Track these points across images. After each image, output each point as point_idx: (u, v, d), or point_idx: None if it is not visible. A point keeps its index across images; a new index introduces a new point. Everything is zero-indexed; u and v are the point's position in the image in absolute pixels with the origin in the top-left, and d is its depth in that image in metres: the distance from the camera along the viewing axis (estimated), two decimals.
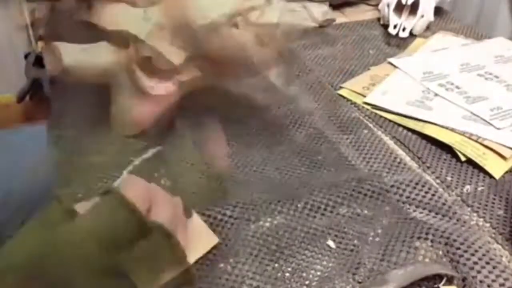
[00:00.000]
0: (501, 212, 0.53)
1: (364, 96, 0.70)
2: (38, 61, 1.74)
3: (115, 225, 0.39)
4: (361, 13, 0.98)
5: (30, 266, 0.36)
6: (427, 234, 0.48)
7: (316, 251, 0.47)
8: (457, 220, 0.50)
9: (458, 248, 0.46)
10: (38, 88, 1.76)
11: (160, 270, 0.41)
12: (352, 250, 0.48)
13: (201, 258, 0.46)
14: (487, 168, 0.58)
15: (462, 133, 0.62)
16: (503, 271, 0.44)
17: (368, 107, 0.69)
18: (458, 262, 0.45)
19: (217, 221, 0.49)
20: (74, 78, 0.54)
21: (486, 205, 0.54)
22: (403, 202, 0.53)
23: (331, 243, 0.48)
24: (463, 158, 0.59)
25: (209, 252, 0.47)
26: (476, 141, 0.61)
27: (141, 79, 0.56)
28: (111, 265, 0.38)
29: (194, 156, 0.57)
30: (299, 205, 0.51)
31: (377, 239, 0.49)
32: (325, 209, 0.51)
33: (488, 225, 0.52)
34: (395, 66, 0.77)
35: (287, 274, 0.45)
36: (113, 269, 0.38)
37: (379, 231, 0.49)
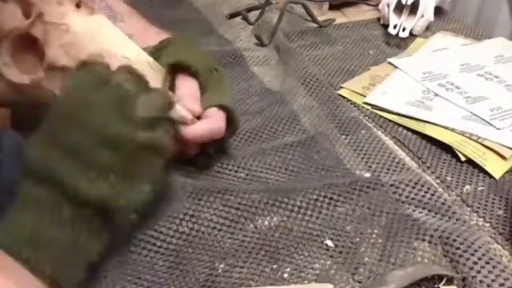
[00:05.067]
0: (501, 212, 0.53)
1: (364, 96, 0.70)
2: None
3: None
4: (361, 13, 0.97)
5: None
6: (426, 234, 0.48)
7: (314, 251, 0.47)
8: (457, 220, 0.50)
9: (458, 248, 0.46)
10: None
11: None
12: (350, 248, 0.47)
13: (199, 261, 0.46)
14: (487, 168, 0.57)
15: (462, 133, 0.62)
16: (503, 271, 0.44)
17: (368, 107, 0.69)
18: (457, 262, 0.45)
19: (214, 223, 0.49)
20: None
21: (486, 205, 0.53)
22: (403, 202, 0.53)
23: (329, 242, 0.48)
24: (463, 158, 0.59)
25: (206, 253, 0.47)
26: (476, 141, 0.61)
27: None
28: None
29: None
30: (296, 205, 0.51)
31: (375, 238, 0.48)
32: (321, 207, 0.51)
33: (488, 225, 0.51)
34: (395, 66, 0.77)
35: (286, 275, 0.45)
36: None
37: (378, 230, 0.49)
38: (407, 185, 0.54)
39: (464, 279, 0.44)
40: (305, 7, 0.91)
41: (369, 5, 0.99)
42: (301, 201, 0.51)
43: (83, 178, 0.40)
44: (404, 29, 0.84)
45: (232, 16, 0.94)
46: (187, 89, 0.54)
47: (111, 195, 0.41)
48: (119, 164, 0.42)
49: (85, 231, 0.40)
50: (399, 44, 0.85)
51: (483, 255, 0.45)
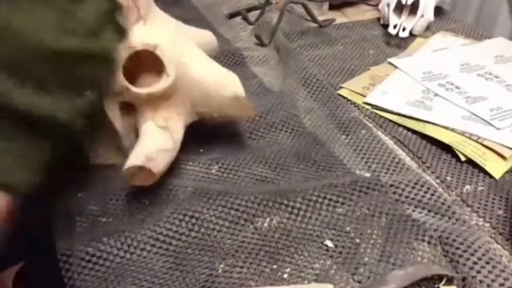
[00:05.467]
0: (501, 212, 0.53)
1: (364, 96, 0.70)
2: None
3: None
4: (361, 13, 0.97)
5: None
6: (426, 234, 0.48)
7: (314, 251, 0.47)
8: (457, 220, 0.50)
9: (458, 248, 0.46)
10: None
11: None
12: (350, 249, 0.47)
13: (199, 261, 0.46)
14: (487, 168, 0.57)
15: (462, 133, 0.62)
16: (502, 271, 0.44)
17: (368, 107, 0.69)
18: (457, 262, 0.45)
19: (213, 224, 0.49)
20: None
21: (486, 205, 0.53)
22: (402, 202, 0.52)
23: (329, 243, 0.48)
24: (463, 158, 0.59)
25: (206, 254, 0.47)
26: (476, 141, 0.61)
27: None
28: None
29: None
30: (296, 207, 0.51)
31: (375, 238, 0.48)
32: (321, 209, 0.51)
33: (488, 225, 0.51)
34: (395, 66, 0.77)
35: (285, 275, 0.45)
36: None
37: (378, 231, 0.49)
38: (407, 185, 0.54)
39: (464, 279, 0.44)
40: (305, 7, 0.91)
41: (369, 5, 0.99)
42: (300, 203, 0.51)
43: (19, 93, 0.38)
44: (404, 29, 0.84)
45: (232, 16, 0.94)
46: None
47: (51, 107, 0.39)
48: (58, 75, 0.40)
49: (22, 141, 0.39)
50: (399, 44, 0.85)
51: (483, 255, 0.45)
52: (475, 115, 0.65)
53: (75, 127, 0.41)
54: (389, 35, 0.85)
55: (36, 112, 0.39)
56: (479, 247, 0.46)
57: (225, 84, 0.56)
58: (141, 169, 0.49)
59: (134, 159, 0.49)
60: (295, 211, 0.51)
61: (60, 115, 0.40)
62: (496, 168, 0.57)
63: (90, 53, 0.42)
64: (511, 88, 0.72)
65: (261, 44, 0.85)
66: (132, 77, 0.53)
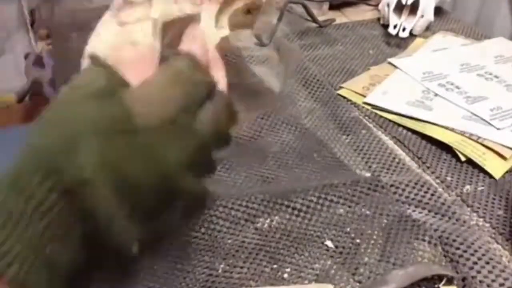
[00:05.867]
0: (501, 212, 0.53)
1: (364, 96, 0.70)
2: (38, 61, 1.75)
3: (189, 88, 0.35)
4: (361, 13, 0.97)
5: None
6: (426, 234, 0.48)
7: (314, 251, 0.47)
8: (457, 220, 0.50)
9: (458, 248, 0.46)
10: (38, 88, 1.77)
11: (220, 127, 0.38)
12: (350, 249, 0.47)
13: (199, 261, 0.46)
14: (487, 168, 0.57)
15: (462, 133, 0.62)
16: (502, 271, 0.44)
17: (368, 107, 0.69)
18: (457, 262, 0.45)
19: (214, 224, 0.49)
20: None
21: (486, 205, 0.53)
22: (403, 202, 0.53)
23: (329, 243, 0.48)
24: (463, 158, 0.59)
25: (206, 254, 0.47)
26: (476, 141, 0.61)
27: None
28: (188, 127, 0.35)
29: None
30: (296, 207, 0.51)
31: (375, 238, 0.48)
32: (321, 210, 0.51)
33: (488, 225, 0.51)
34: (395, 66, 0.77)
35: (286, 275, 0.45)
36: (189, 132, 0.35)
37: (378, 231, 0.49)
38: (407, 185, 0.54)
39: (464, 279, 0.44)
40: (305, 7, 0.91)
41: (369, 5, 0.99)
42: (301, 203, 0.51)
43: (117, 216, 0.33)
44: (404, 29, 0.84)
45: None
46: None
47: (128, 235, 0.35)
48: (150, 208, 0.36)
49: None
50: (399, 44, 0.85)
51: (483, 255, 0.45)
52: (475, 115, 0.65)
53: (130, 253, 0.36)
54: (389, 35, 0.85)
55: (116, 239, 0.34)
56: (479, 247, 0.46)
57: None
58: None
59: None
60: (296, 211, 0.51)
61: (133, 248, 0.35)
62: (496, 168, 0.58)
63: (187, 191, 0.37)
64: (511, 88, 0.72)
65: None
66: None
